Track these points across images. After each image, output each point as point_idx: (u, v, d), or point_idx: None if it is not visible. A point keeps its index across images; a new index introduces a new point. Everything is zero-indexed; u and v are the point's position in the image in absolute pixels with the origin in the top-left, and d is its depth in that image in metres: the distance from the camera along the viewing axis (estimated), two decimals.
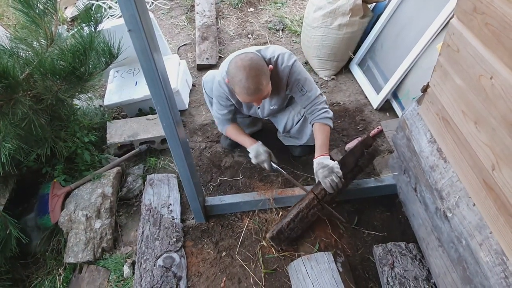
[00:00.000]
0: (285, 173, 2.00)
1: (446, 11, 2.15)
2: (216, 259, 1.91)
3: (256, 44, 3.46)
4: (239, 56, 1.72)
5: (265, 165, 1.99)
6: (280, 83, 1.87)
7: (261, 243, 1.94)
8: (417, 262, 1.72)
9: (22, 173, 2.19)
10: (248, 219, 2.06)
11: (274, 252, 1.90)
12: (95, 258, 1.97)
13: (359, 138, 2.43)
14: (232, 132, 2.11)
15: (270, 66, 1.78)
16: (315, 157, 1.89)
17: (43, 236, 2.09)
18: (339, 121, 2.61)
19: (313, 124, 1.98)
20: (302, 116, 2.11)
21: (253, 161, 2.01)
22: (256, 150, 1.99)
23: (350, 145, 2.39)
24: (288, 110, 2.16)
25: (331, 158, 1.89)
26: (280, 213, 2.05)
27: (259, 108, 2.08)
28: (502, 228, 1.11)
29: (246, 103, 2.05)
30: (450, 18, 1.26)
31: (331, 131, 2.00)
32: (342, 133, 2.53)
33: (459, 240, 1.31)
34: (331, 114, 1.97)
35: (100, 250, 1.99)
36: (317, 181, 1.87)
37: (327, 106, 1.97)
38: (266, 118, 2.30)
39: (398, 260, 1.73)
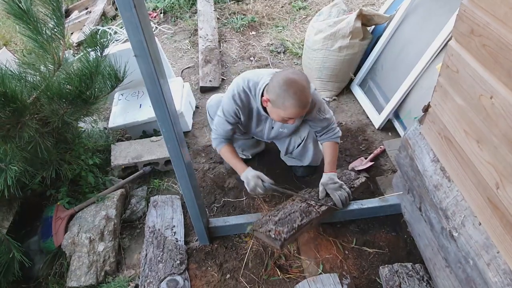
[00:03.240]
0: (281, 189, 1.96)
1: (444, 33, 2.19)
2: (220, 282, 1.89)
3: (258, 67, 3.52)
4: (287, 71, 1.74)
5: (259, 191, 1.92)
6: None
7: (265, 265, 1.92)
8: (425, 283, 1.70)
9: (27, 195, 2.19)
10: (252, 241, 2.04)
11: (279, 274, 1.88)
12: (98, 281, 1.94)
13: (362, 158, 2.44)
14: (226, 153, 2.06)
15: None
16: (325, 171, 1.98)
17: (46, 259, 2.07)
18: (342, 141, 2.62)
19: (323, 142, 2.06)
20: (302, 140, 2.15)
21: (248, 190, 1.96)
22: (245, 177, 1.95)
23: (353, 165, 2.39)
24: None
25: None
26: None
27: (273, 128, 2.08)
28: (509, 248, 1.10)
29: (269, 121, 2.05)
30: (449, 40, 1.29)
31: None
32: (345, 153, 2.54)
33: (466, 260, 1.30)
34: (340, 132, 2.09)
35: (103, 273, 1.97)
36: (320, 189, 1.96)
37: (337, 126, 2.07)
38: (269, 141, 2.31)
39: (405, 282, 1.70)
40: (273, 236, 1.75)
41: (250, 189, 1.94)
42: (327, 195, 1.96)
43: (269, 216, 1.87)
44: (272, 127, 2.09)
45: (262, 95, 1.84)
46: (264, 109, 1.89)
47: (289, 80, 1.67)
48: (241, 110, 1.95)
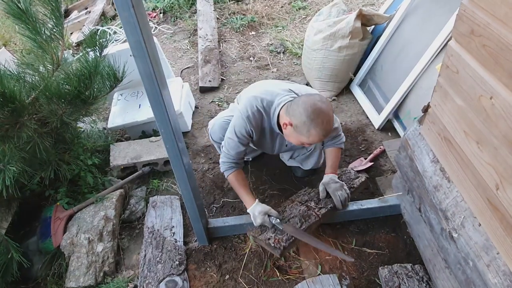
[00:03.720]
0: (282, 229, 1.80)
1: (444, 33, 2.19)
2: (219, 283, 1.88)
3: (258, 67, 3.52)
4: (314, 98, 1.69)
5: (267, 225, 1.84)
6: None
7: (264, 265, 1.92)
8: (424, 284, 1.69)
9: (25, 196, 2.19)
10: (251, 241, 2.03)
11: (278, 274, 1.87)
12: (97, 282, 1.94)
13: (362, 158, 2.44)
14: (235, 180, 1.95)
15: None
16: (326, 172, 2.00)
17: (45, 260, 2.07)
18: None
19: (327, 148, 2.07)
20: (308, 152, 2.16)
21: (254, 224, 1.88)
22: (252, 213, 1.86)
23: (353, 165, 2.39)
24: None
25: None
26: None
27: (286, 145, 2.06)
28: (509, 249, 1.10)
29: (278, 141, 2.04)
30: (448, 40, 1.28)
31: None
32: (344, 153, 2.53)
33: (466, 261, 1.29)
34: (344, 138, 2.10)
35: (102, 274, 1.97)
36: (321, 189, 1.96)
37: (342, 132, 2.08)
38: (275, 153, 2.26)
39: (405, 283, 1.70)
40: (273, 244, 1.75)
41: (256, 225, 1.86)
42: (327, 195, 1.95)
43: None
44: (286, 145, 2.06)
45: (278, 114, 1.81)
46: (279, 128, 1.85)
47: (317, 110, 1.64)
48: (255, 129, 1.89)
